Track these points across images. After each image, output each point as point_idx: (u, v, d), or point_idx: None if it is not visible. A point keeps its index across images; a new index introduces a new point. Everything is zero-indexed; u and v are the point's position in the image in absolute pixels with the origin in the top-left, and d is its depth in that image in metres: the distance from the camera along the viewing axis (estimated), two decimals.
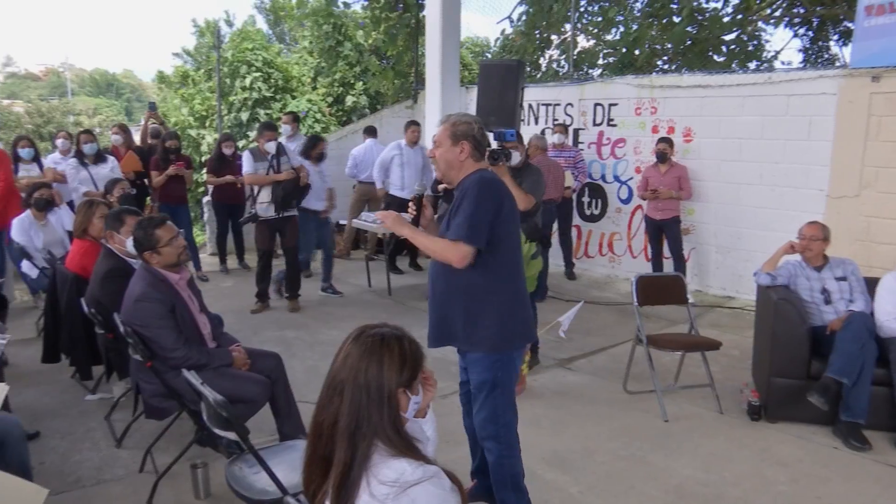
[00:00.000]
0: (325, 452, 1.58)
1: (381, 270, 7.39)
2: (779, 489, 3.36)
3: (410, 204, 2.87)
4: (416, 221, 2.84)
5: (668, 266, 7.03)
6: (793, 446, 3.81)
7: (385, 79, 11.93)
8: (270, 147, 6.01)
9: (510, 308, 2.75)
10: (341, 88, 13.77)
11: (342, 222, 8.81)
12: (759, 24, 11.13)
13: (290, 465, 2.49)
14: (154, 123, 8.19)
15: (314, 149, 6.86)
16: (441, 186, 4.61)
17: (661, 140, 6.92)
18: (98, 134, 7.53)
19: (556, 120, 8.26)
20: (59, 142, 7.04)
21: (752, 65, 10.70)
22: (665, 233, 6.97)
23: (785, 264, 4.41)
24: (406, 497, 1.48)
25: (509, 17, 12.05)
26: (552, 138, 7.65)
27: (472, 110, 7.33)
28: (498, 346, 2.73)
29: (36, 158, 6.68)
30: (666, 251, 7.05)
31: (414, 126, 7.80)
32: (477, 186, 2.65)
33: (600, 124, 7.97)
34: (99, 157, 6.59)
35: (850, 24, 9.68)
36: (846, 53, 10.75)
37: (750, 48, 10.81)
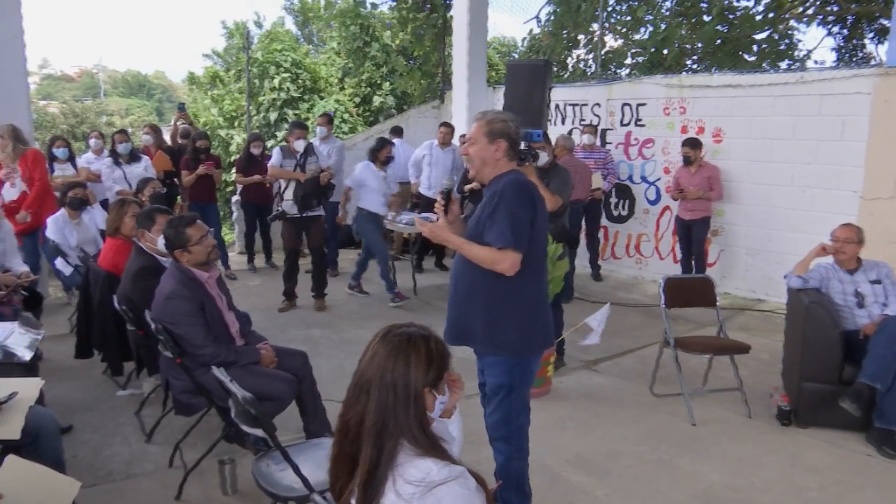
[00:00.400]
0: (351, 451, 1.59)
1: (406, 270, 7.42)
2: (809, 496, 3.30)
3: (438, 199, 2.87)
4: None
5: None
6: (824, 453, 3.74)
7: (412, 79, 11.98)
8: (299, 146, 6.09)
9: (532, 312, 2.73)
10: (368, 89, 13.84)
11: None
12: (792, 22, 10.95)
13: (316, 462, 2.51)
14: (184, 123, 8.30)
15: (381, 152, 6.60)
16: (468, 187, 4.61)
17: (684, 143, 6.83)
18: (130, 134, 7.64)
19: (584, 120, 8.21)
20: (91, 141, 7.19)
21: (784, 64, 10.53)
22: (691, 232, 6.89)
23: (817, 267, 4.33)
24: (432, 497, 1.48)
25: (536, 17, 12.05)
26: (582, 139, 7.60)
27: None
28: (518, 351, 2.72)
29: (70, 158, 6.83)
30: None
31: (443, 127, 7.83)
32: (513, 190, 2.62)
33: (628, 124, 7.90)
34: (133, 157, 6.71)
35: (885, 22, 9.48)
36: (882, 52, 10.54)
37: (781, 47, 10.64)
